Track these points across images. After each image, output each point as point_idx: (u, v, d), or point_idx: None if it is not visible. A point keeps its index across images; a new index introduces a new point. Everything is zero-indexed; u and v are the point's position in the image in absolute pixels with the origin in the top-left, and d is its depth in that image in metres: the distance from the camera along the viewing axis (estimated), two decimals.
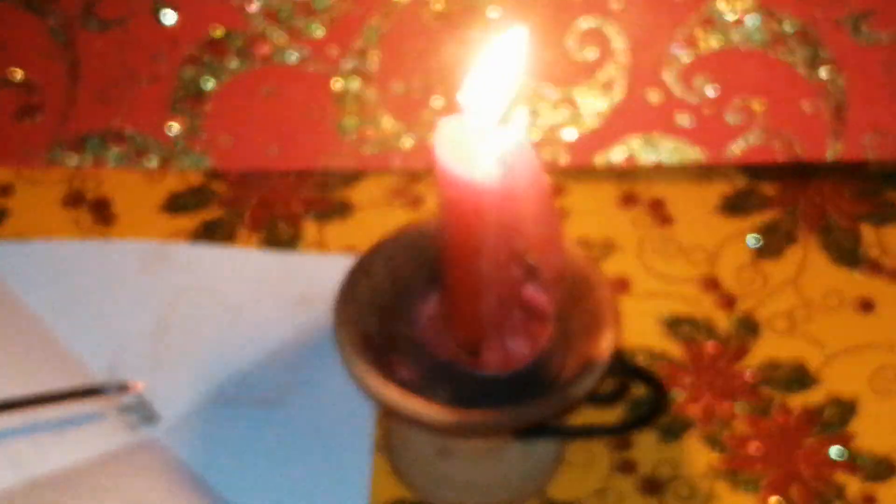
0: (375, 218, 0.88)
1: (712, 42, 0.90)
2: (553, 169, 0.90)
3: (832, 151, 0.88)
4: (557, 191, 0.89)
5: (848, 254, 0.87)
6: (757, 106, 0.89)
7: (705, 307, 0.84)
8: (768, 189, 0.89)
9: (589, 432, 0.79)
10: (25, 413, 0.77)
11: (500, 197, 0.67)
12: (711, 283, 0.85)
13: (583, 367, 0.71)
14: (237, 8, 0.91)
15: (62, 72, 0.91)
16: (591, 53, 0.90)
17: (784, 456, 0.79)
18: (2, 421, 0.76)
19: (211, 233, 0.88)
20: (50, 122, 0.91)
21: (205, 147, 0.90)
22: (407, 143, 0.90)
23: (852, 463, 0.79)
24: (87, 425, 0.78)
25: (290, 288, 0.85)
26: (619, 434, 0.80)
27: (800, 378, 0.82)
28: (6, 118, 0.91)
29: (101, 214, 0.89)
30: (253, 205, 0.89)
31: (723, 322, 0.84)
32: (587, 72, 0.90)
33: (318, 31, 0.91)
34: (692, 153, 0.89)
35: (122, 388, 0.79)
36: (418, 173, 0.90)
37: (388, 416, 0.79)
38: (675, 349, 0.83)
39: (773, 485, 0.78)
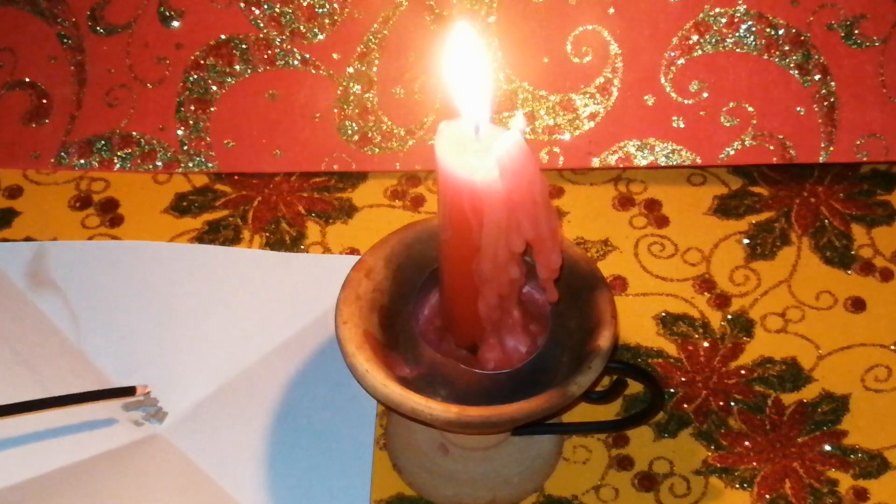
0: (376, 219, 0.89)
1: (707, 46, 0.90)
2: (551, 170, 0.90)
3: (825, 153, 0.89)
4: (555, 192, 0.90)
5: (840, 254, 0.87)
6: (750, 109, 0.89)
7: (700, 306, 0.85)
8: (762, 191, 0.90)
9: (586, 429, 0.79)
10: (37, 412, 0.77)
11: (499, 198, 0.67)
12: (706, 283, 0.86)
13: (580, 364, 0.71)
14: (241, 13, 0.91)
15: (70, 76, 0.92)
16: (588, 58, 0.90)
17: (778, 453, 0.79)
18: (16, 421, 0.77)
19: (215, 234, 0.88)
20: (58, 125, 0.91)
21: (209, 149, 0.91)
22: (407, 145, 0.91)
23: (845, 459, 0.79)
24: (96, 421, 0.79)
25: (293, 288, 0.85)
26: (616, 431, 0.80)
27: (793, 376, 0.82)
28: (15, 121, 0.92)
29: (108, 216, 0.89)
30: (256, 206, 0.90)
31: (717, 321, 0.84)
32: (584, 75, 0.90)
33: (320, 36, 0.92)
34: (687, 155, 0.89)
35: (130, 387, 0.79)
36: (419, 175, 0.91)
37: (389, 413, 0.80)
38: (670, 347, 0.83)
39: (767, 481, 0.78)
